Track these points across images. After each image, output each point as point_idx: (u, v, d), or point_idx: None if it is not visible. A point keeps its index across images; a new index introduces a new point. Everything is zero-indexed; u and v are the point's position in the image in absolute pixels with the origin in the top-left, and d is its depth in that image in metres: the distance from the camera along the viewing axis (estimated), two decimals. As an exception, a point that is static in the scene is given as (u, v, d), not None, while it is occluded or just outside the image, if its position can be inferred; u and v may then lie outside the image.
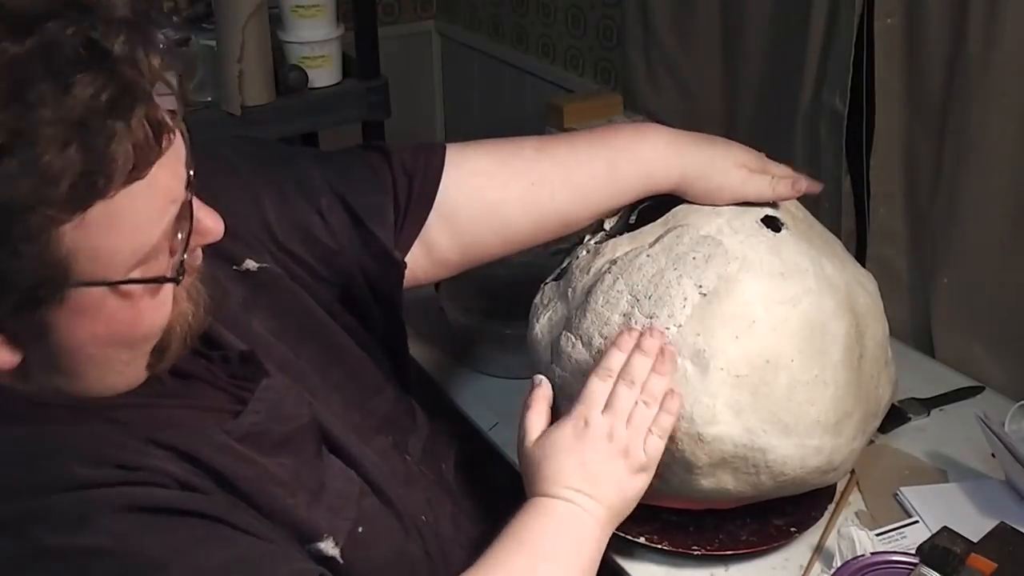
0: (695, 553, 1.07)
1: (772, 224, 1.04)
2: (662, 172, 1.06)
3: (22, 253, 0.65)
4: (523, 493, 0.96)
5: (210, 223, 0.77)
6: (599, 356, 0.99)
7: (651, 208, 1.10)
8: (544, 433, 0.96)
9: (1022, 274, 1.31)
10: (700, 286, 0.98)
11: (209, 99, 1.98)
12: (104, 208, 0.66)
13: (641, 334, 0.97)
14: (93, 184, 0.65)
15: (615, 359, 0.96)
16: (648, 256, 1.01)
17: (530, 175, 1.06)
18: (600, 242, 1.09)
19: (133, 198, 0.67)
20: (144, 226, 0.70)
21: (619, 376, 0.95)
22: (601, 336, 1.00)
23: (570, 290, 1.07)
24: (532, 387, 1.02)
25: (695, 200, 1.06)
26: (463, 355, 1.42)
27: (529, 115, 2.46)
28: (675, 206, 1.07)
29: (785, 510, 1.10)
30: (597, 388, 0.95)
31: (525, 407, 1.00)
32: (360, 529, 0.89)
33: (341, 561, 0.86)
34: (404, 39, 2.74)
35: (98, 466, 0.74)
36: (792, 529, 1.09)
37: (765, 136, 1.68)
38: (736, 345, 0.97)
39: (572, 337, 1.03)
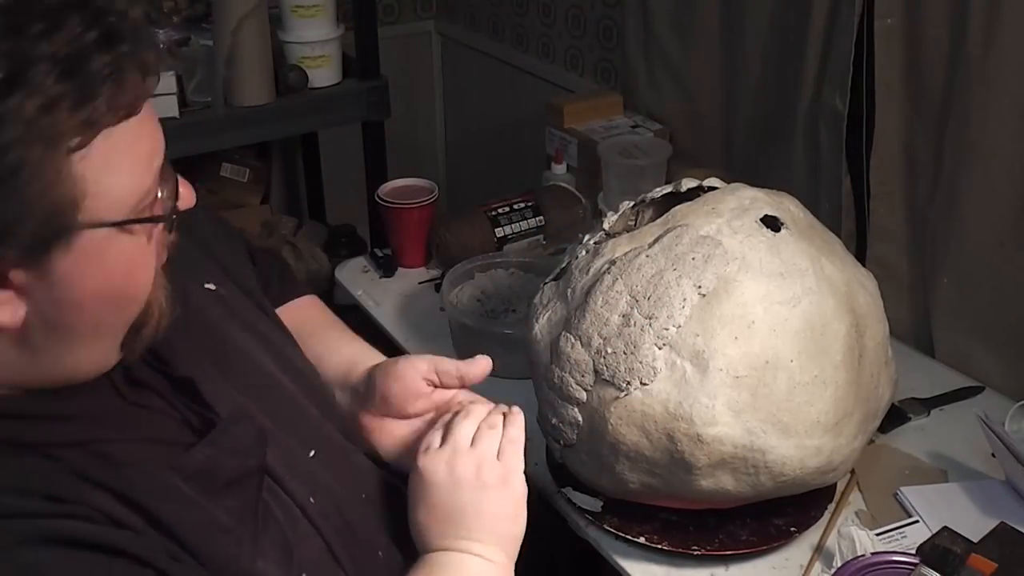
0: (695, 553, 1.07)
1: (772, 224, 1.04)
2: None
3: (34, 183, 0.67)
4: None
5: (185, 191, 0.80)
6: (598, 356, 0.99)
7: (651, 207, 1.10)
8: (418, 465, 0.92)
9: (1022, 274, 1.31)
10: (699, 287, 0.98)
11: (209, 99, 1.98)
12: (105, 141, 0.70)
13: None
14: (93, 111, 0.68)
15: (445, 367, 1.01)
16: (647, 256, 1.01)
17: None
18: (599, 242, 1.09)
19: (129, 134, 0.72)
20: (139, 166, 0.74)
21: (454, 416, 0.95)
22: (600, 336, 1.00)
23: (569, 290, 1.06)
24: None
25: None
26: (463, 355, 1.42)
27: (529, 115, 2.46)
28: (673, 207, 1.08)
29: (785, 510, 1.10)
30: (433, 434, 0.94)
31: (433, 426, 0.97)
32: (303, 575, 0.86)
33: None
34: (404, 39, 2.74)
35: (23, 496, 0.72)
36: (792, 529, 1.09)
37: (765, 136, 1.68)
38: (735, 346, 0.97)
39: (571, 337, 1.02)
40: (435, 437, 0.94)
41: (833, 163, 1.51)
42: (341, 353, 1.11)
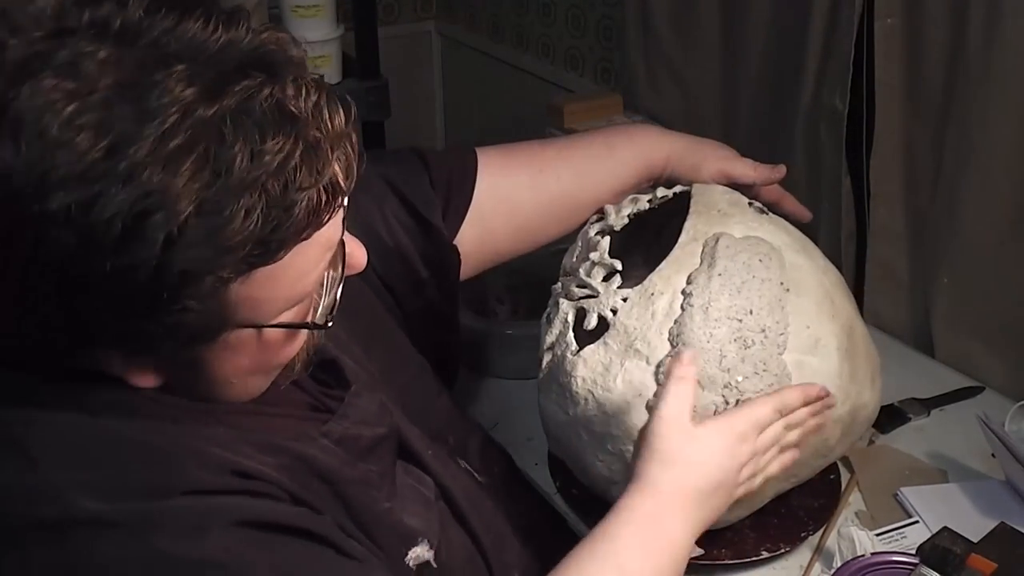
0: (695, 553, 1.06)
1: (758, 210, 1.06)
2: (655, 149, 1.16)
3: (190, 308, 0.66)
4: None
5: (357, 255, 0.78)
6: (727, 390, 0.94)
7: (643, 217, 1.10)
8: (696, 420, 0.89)
9: (1022, 274, 1.31)
10: (783, 283, 0.97)
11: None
12: (270, 268, 0.67)
13: (815, 396, 0.95)
14: (267, 250, 0.66)
15: (793, 398, 0.93)
16: (719, 275, 0.96)
17: (536, 163, 1.14)
18: (599, 234, 1.06)
19: (297, 256, 0.68)
20: (301, 278, 0.71)
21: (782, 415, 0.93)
22: (722, 369, 0.94)
23: (638, 343, 0.96)
24: (682, 359, 0.90)
25: (683, 176, 1.15)
26: (464, 355, 1.42)
27: (529, 115, 2.46)
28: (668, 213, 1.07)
29: (785, 510, 1.10)
30: (765, 415, 0.91)
31: (677, 377, 0.89)
32: (442, 534, 0.89)
33: (435, 565, 0.86)
34: (404, 39, 2.74)
35: (217, 472, 0.73)
36: (792, 529, 1.09)
37: (765, 136, 1.68)
38: (833, 323, 0.99)
39: None
40: (765, 421, 0.92)
41: (833, 163, 1.51)
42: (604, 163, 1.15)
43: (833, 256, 1.08)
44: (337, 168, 0.68)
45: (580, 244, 1.09)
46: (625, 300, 0.98)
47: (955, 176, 1.34)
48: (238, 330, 0.71)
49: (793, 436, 0.95)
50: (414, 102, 2.81)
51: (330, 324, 0.76)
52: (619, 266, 1.01)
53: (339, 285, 0.76)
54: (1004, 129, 1.27)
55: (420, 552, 0.85)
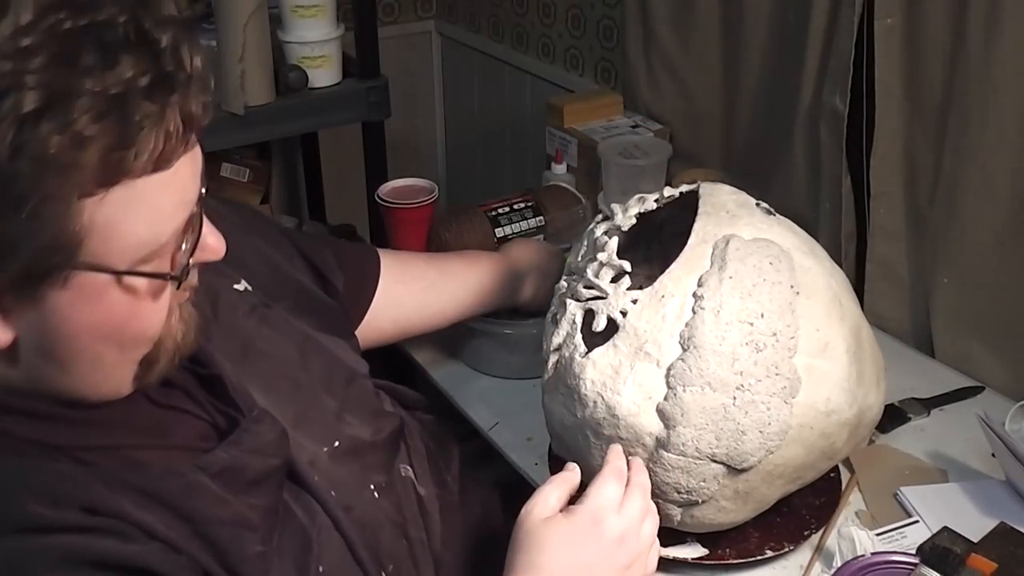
0: (698, 553, 1.06)
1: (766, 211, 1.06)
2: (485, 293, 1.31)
3: (39, 216, 0.65)
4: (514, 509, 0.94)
5: (213, 241, 0.78)
6: (739, 391, 0.94)
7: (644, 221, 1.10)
8: (555, 517, 0.89)
9: (1022, 274, 1.31)
10: (792, 286, 0.97)
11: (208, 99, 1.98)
12: (126, 189, 0.67)
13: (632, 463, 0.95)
14: (122, 159, 0.66)
15: (624, 463, 0.93)
16: (730, 278, 0.96)
17: (427, 278, 1.28)
18: (607, 234, 1.06)
19: (154, 187, 0.69)
20: (158, 219, 0.71)
21: (630, 482, 0.92)
22: (735, 372, 0.94)
23: (649, 346, 0.96)
24: (564, 469, 0.95)
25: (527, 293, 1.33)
26: (463, 355, 1.42)
27: (529, 115, 2.46)
28: (666, 211, 1.07)
29: (787, 509, 1.10)
30: (612, 490, 0.90)
31: (548, 481, 0.93)
32: (320, 568, 0.87)
33: None
34: (404, 39, 2.74)
35: (57, 506, 0.71)
36: (796, 528, 1.09)
37: (765, 136, 1.68)
38: (842, 325, 0.99)
39: (696, 389, 0.95)
40: (614, 497, 0.90)
41: (833, 163, 1.51)
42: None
43: (833, 256, 1.08)
44: (192, 103, 0.69)
45: (586, 244, 1.08)
46: (635, 302, 0.97)
47: (955, 176, 1.34)
48: (89, 273, 0.69)
49: (651, 503, 0.94)
50: (414, 102, 2.81)
51: (184, 279, 0.75)
52: (628, 267, 1.01)
53: (191, 255, 0.75)
54: (1004, 129, 1.27)
55: None
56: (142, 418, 0.81)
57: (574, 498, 0.93)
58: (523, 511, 0.90)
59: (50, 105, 0.63)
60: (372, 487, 0.97)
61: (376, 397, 1.09)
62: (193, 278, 0.79)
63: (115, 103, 0.65)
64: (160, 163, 0.68)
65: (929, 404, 1.32)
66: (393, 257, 1.27)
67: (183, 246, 0.74)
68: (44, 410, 0.76)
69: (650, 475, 0.97)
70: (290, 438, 0.89)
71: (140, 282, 0.72)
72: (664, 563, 1.07)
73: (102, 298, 0.71)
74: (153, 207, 0.70)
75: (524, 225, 1.65)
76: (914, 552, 1.03)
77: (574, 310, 1.02)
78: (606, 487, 0.90)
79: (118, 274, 0.70)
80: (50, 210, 0.65)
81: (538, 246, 1.41)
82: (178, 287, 0.76)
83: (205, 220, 0.76)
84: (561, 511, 0.90)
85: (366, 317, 1.21)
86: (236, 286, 0.98)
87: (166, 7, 0.69)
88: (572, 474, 0.94)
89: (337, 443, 0.96)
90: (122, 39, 0.66)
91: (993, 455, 1.19)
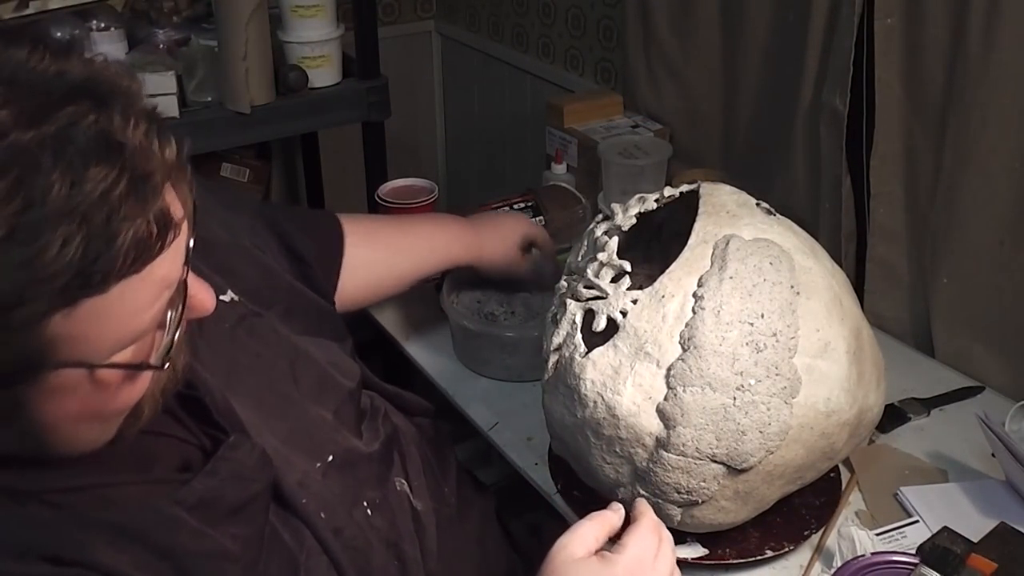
0: (698, 553, 1.06)
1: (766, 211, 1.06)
2: (450, 249, 1.33)
3: (2, 341, 0.62)
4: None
5: (203, 298, 0.75)
6: (740, 392, 0.93)
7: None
8: (590, 559, 0.85)
9: (1022, 274, 1.31)
10: (793, 286, 0.97)
11: (209, 99, 1.98)
12: (96, 301, 0.64)
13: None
14: (89, 281, 0.62)
15: (655, 517, 0.90)
16: (730, 278, 0.96)
17: (393, 244, 1.29)
18: (607, 234, 1.06)
19: (127, 290, 0.65)
20: (134, 315, 0.67)
21: (663, 538, 0.88)
22: (735, 372, 0.93)
23: (649, 346, 0.96)
24: (608, 508, 0.90)
25: (485, 257, 1.36)
26: (463, 356, 1.42)
27: (529, 115, 2.46)
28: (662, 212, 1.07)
29: (787, 509, 1.10)
30: (651, 543, 0.87)
31: (589, 518, 0.88)
32: None
33: None
34: (404, 39, 2.74)
35: (22, 558, 0.69)
36: (796, 528, 1.09)
37: (765, 136, 1.68)
38: (842, 326, 0.99)
39: (696, 389, 0.94)
40: (652, 547, 0.86)
41: (833, 163, 1.51)
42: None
43: (833, 256, 1.08)
44: (168, 200, 0.65)
45: (586, 244, 1.08)
46: (635, 302, 0.97)
47: (955, 176, 1.34)
48: (64, 370, 0.66)
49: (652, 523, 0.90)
50: (414, 102, 2.81)
51: (167, 366, 0.71)
52: (628, 267, 1.01)
53: (178, 327, 0.72)
54: (1004, 129, 1.27)
55: None
56: (122, 451, 0.78)
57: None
58: (558, 545, 0.85)
59: (11, 238, 0.59)
60: (365, 504, 0.96)
61: (371, 407, 1.07)
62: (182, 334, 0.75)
63: (81, 226, 0.60)
64: (132, 271, 0.64)
65: (929, 404, 1.32)
66: (359, 223, 1.27)
67: (169, 316, 0.71)
68: (14, 458, 0.74)
69: (650, 475, 0.97)
70: (280, 457, 0.87)
71: (117, 371, 0.69)
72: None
73: (78, 390, 0.68)
74: (127, 308, 0.66)
75: (524, 225, 1.65)
76: (914, 552, 1.03)
77: (574, 310, 1.02)
78: (647, 539, 0.87)
79: (93, 367, 0.67)
80: (12, 336, 0.62)
81: (504, 215, 1.47)
82: (161, 370, 0.73)
83: (193, 278, 0.73)
84: (596, 552, 0.86)
85: (339, 283, 1.21)
86: (222, 297, 0.94)
87: (138, 98, 0.65)
88: (615, 516, 0.89)
89: (331, 457, 0.95)
90: (84, 149, 0.61)
91: (993, 455, 1.19)
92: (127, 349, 0.69)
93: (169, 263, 0.68)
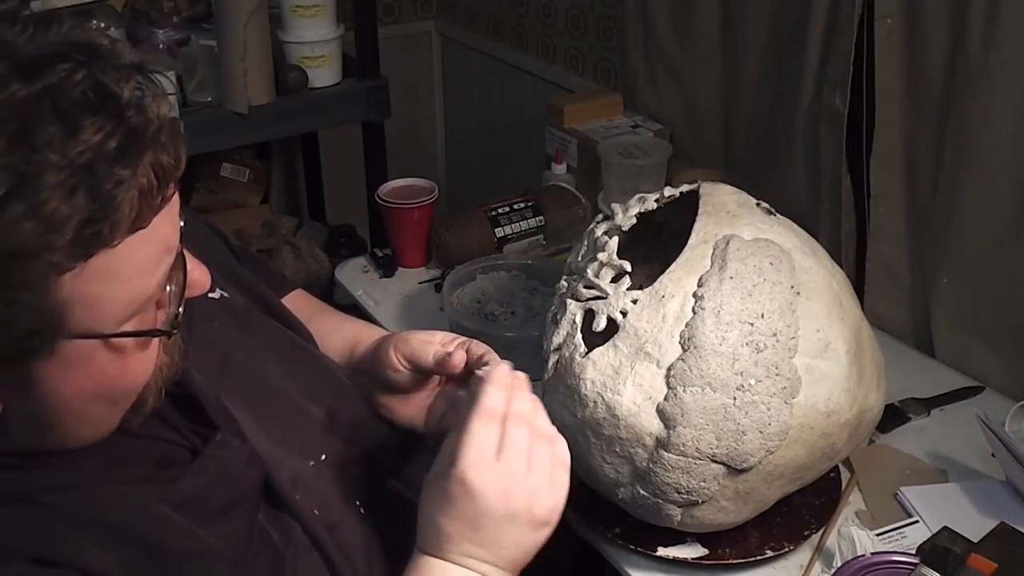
0: (698, 553, 1.07)
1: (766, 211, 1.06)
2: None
3: (19, 300, 0.62)
4: None
5: (198, 275, 0.75)
6: (740, 392, 0.93)
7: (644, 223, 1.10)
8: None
9: (1022, 274, 1.31)
10: (793, 286, 0.97)
11: (209, 99, 1.98)
12: (105, 257, 0.64)
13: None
14: (98, 232, 0.63)
15: (495, 397, 0.82)
16: (731, 278, 0.96)
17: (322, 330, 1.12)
18: (607, 234, 1.06)
19: (134, 247, 0.66)
20: (141, 276, 0.68)
21: (507, 417, 0.82)
22: (736, 372, 0.93)
23: (649, 346, 0.96)
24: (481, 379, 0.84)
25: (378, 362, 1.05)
26: (463, 355, 1.42)
27: (529, 115, 2.46)
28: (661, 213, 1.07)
29: (787, 509, 1.10)
30: (483, 433, 0.80)
31: (472, 415, 0.81)
32: None
33: None
34: (404, 39, 2.74)
35: (8, 561, 0.68)
36: (796, 527, 1.09)
37: (765, 136, 1.68)
38: (842, 325, 0.98)
39: (696, 389, 0.94)
40: (482, 437, 0.80)
41: (833, 163, 1.51)
42: (342, 331, 1.10)
43: (833, 256, 1.08)
44: (164, 156, 0.66)
45: (586, 244, 1.09)
46: (635, 302, 0.97)
47: (955, 176, 1.34)
48: (77, 340, 0.66)
49: (545, 422, 0.84)
50: (414, 102, 2.82)
51: (175, 332, 0.72)
52: (628, 267, 1.01)
53: (180, 300, 0.72)
54: (1004, 129, 1.27)
55: None
56: (111, 451, 0.78)
57: None
58: (445, 464, 0.81)
59: (17, 189, 0.60)
60: (358, 503, 0.95)
61: (364, 404, 1.06)
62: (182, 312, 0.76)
63: (84, 175, 0.61)
64: (137, 225, 0.65)
65: (929, 404, 1.32)
66: (309, 304, 1.19)
67: (169, 289, 0.72)
68: (2, 460, 0.73)
69: (650, 475, 0.97)
70: (272, 456, 0.87)
71: (128, 340, 0.70)
72: (664, 563, 1.07)
73: (91, 362, 0.69)
74: (134, 267, 0.67)
75: (524, 225, 1.65)
76: (914, 552, 1.03)
77: (574, 310, 1.02)
78: (472, 431, 0.80)
79: (106, 337, 0.68)
80: (28, 294, 0.63)
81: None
82: (171, 337, 0.74)
83: (188, 255, 0.74)
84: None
85: None
86: (211, 295, 0.93)
87: (123, 55, 0.66)
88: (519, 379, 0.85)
89: (324, 456, 0.94)
90: (81, 101, 0.62)
91: (993, 455, 1.19)
92: (134, 319, 0.69)
93: (168, 222, 0.69)
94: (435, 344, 0.99)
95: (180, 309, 0.73)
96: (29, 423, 0.71)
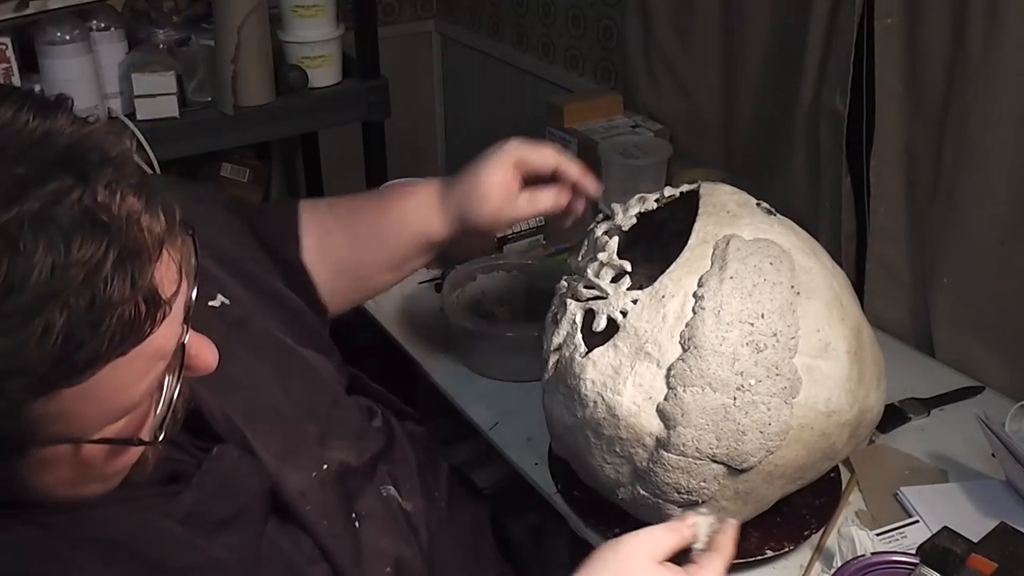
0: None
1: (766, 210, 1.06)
2: (423, 224, 1.15)
3: None
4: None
5: (204, 356, 0.72)
6: (740, 392, 0.93)
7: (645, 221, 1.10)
8: (663, 565, 0.82)
9: (1022, 274, 1.31)
10: (793, 286, 0.97)
11: (209, 99, 1.98)
12: (79, 385, 0.61)
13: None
14: (70, 371, 0.59)
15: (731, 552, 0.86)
16: (731, 278, 0.95)
17: (321, 226, 1.14)
18: (607, 234, 1.06)
19: (117, 369, 0.62)
20: (123, 391, 0.64)
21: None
22: (735, 372, 0.93)
23: (649, 346, 0.96)
24: (683, 521, 0.86)
25: (483, 224, 1.15)
26: (463, 357, 1.42)
27: (529, 115, 2.46)
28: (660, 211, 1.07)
29: (787, 509, 1.10)
30: (720, 568, 0.83)
31: (667, 526, 0.85)
32: None
33: None
34: (404, 39, 2.74)
35: None
36: (796, 527, 1.09)
37: (765, 136, 1.68)
38: (843, 325, 0.98)
39: (696, 389, 0.94)
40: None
41: (833, 163, 1.51)
42: (378, 227, 1.14)
43: (833, 256, 1.08)
44: (159, 277, 0.62)
45: (587, 243, 1.09)
46: (635, 302, 0.97)
47: (955, 176, 1.34)
48: (51, 446, 0.63)
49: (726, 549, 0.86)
50: (414, 102, 2.82)
51: (161, 439, 0.69)
52: (628, 267, 1.01)
53: (176, 391, 0.69)
54: (1004, 129, 1.27)
55: None
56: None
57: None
58: (626, 538, 0.82)
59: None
60: (353, 516, 0.95)
61: (360, 415, 1.07)
62: (185, 392, 0.72)
63: (65, 308, 0.57)
64: (123, 350, 0.61)
65: (929, 404, 1.32)
66: (317, 201, 1.18)
67: (169, 378, 0.68)
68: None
69: (651, 475, 0.97)
70: (276, 468, 0.87)
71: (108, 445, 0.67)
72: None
73: (68, 461, 0.66)
74: (113, 385, 0.62)
75: (524, 225, 1.65)
76: (914, 552, 1.03)
77: (574, 310, 1.02)
78: (720, 573, 0.83)
79: (83, 443, 0.65)
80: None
81: (485, 162, 1.18)
82: (155, 446, 0.71)
83: (194, 335, 0.70)
84: (662, 562, 0.82)
85: (313, 272, 1.13)
86: (211, 303, 0.92)
87: (122, 168, 0.61)
88: (689, 532, 0.85)
89: (325, 466, 0.94)
90: (69, 225, 0.56)
91: (993, 455, 1.19)
92: (119, 421, 0.66)
93: (162, 337, 0.65)
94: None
95: (174, 402, 0.69)
96: (16, 501, 0.70)
